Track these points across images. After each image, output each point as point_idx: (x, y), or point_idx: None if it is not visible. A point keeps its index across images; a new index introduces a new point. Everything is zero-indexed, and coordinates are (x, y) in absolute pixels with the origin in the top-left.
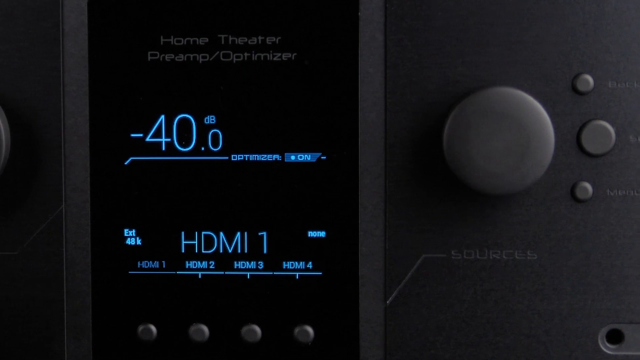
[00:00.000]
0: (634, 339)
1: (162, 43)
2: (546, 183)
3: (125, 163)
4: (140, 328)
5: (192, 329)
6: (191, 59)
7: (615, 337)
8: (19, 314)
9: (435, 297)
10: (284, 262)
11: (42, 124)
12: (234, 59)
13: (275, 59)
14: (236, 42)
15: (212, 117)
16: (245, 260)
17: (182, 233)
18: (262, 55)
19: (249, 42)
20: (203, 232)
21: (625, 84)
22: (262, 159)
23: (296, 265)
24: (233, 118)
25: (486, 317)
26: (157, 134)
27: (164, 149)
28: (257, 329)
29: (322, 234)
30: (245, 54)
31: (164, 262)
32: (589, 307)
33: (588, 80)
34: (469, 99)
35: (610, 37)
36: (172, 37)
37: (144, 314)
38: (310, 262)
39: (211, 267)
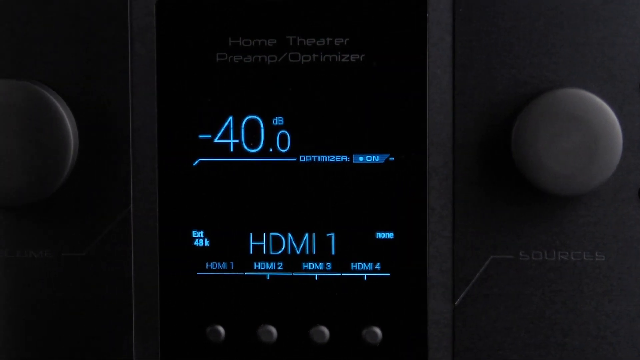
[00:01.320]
0: None
1: (230, 44)
2: (614, 184)
3: (194, 164)
4: (209, 329)
5: (261, 330)
6: (259, 60)
7: None
8: (88, 314)
9: (503, 298)
10: (352, 264)
11: (111, 126)
12: (302, 60)
13: (343, 60)
14: (304, 43)
15: (280, 119)
16: (314, 261)
17: (250, 234)
18: (330, 56)
19: (317, 44)
20: (271, 234)
21: None
22: (330, 160)
23: (364, 266)
24: (301, 119)
25: (554, 319)
26: (225, 135)
27: (232, 150)
28: (325, 330)
29: (390, 235)
30: (314, 55)
31: (232, 263)
32: None
33: None
34: (537, 100)
35: None
36: (240, 38)
37: (212, 315)
38: (379, 264)
39: (279, 268)
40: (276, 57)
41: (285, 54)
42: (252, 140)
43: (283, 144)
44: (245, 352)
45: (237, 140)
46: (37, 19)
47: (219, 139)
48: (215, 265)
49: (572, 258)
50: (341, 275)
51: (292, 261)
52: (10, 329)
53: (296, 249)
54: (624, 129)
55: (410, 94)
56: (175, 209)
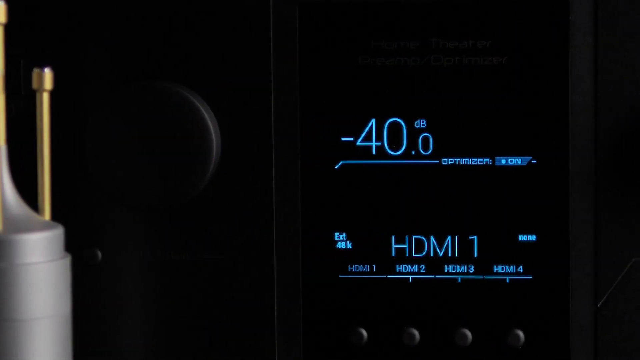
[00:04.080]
0: None
1: (373, 47)
2: None
3: (336, 167)
4: (351, 331)
5: (403, 332)
6: (402, 62)
7: None
8: (231, 317)
9: None
10: (494, 266)
11: (253, 128)
12: (445, 63)
13: (485, 63)
14: (447, 46)
15: (422, 121)
16: (456, 264)
17: (393, 237)
18: (472, 59)
19: (460, 46)
20: (413, 236)
21: None
22: (473, 162)
23: (506, 269)
24: (444, 122)
25: None
26: (368, 137)
27: (374, 152)
28: (468, 332)
29: (533, 237)
30: (456, 58)
31: (374, 265)
32: None
33: None
34: None
35: None
36: (383, 41)
37: (354, 317)
38: (521, 266)
39: (422, 270)
40: (419, 60)
41: (428, 56)
42: (395, 143)
43: (425, 146)
44: (387, 354)
45: (379, 143)
46: (179, 22)
47: (362, 141)
48: (357, 268)
49: None
50: (483, 277)
51: (435, 264)
52: (150, 330)
53: (438, 251)
54: None
55: (553, 96)
56: (317, 212)
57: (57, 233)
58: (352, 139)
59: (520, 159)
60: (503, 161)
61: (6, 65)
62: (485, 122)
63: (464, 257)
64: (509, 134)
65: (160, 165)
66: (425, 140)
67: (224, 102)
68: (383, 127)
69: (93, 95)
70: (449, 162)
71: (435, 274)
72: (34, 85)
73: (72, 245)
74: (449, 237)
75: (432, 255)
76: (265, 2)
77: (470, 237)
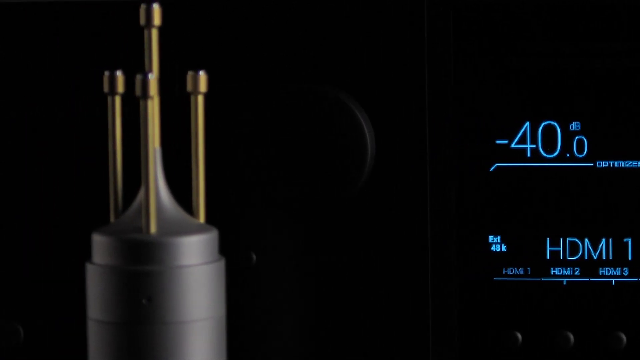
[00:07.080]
0: None
1: (527, 50)
2: None
3: (491, 169)
4: (506, 334)
5: (557, 335)
6: (556, 65)
7: None
8: (384, 319)
9: None
10: None
11: (407, 131)
12: (599, 65)
13: None
14: (601, 48)
15: (577, 124)
16: (610, 266)
17: (547, 239)
18: (627, 60)
19: (614, 48)
20: (568, 239)
21: None
22: (627, 165)
23: None
24: (598, 124)
25: None
26: (522, 140)
27: (528, 155)
28: (622, 336)
29: None
30: (610, 60)
31: (528, 268)
32: None
33: None
34: None
35: None
36: (537, 43)
37: (508, 320)
38: None
39: (576, 273)
40: (572, 62)
41: (582, 58)
42: (549, 146)
43: (580, 149)
44: (542, 357)
45: (533, 146)
46: (333, 26)
47: (516, 144)
48: (512, 271)
49: None
50: (638, 280)
51: (589, 266)
52: (303, 332)
53: (593, 254)
54: None
55: None
56: (472, 214)
57: (211, 236)
58: (506, 141)
59: None
60: None
61: (161, 68)
62: None
63: (618, 259)
64: None
65: (314, 167)
66: (580, 143)
67: (379, 105)
68: (537, 130)
69: (248, 98)
70: (604, 165)
71: (589, 277)
72: (189, 87)
73: (227, 248)
74: (603, 240)
75: (586, 258)
76: (420, 6)
77: (625, 240)
